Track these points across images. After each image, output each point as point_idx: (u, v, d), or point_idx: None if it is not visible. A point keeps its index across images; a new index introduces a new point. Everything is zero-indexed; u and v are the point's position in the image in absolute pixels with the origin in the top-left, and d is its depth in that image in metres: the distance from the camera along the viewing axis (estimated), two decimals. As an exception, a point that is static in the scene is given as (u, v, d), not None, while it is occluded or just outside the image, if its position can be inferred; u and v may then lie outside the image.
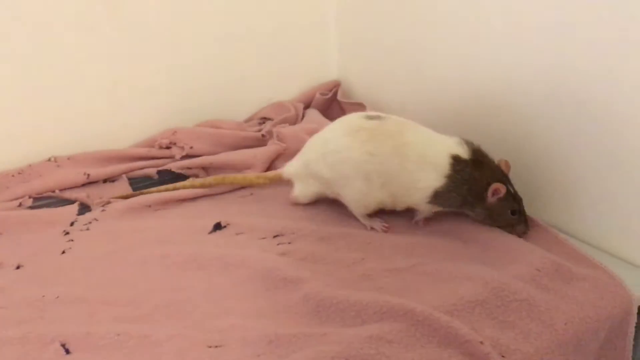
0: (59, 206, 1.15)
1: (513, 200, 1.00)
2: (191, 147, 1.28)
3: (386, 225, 1.05)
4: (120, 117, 1.35)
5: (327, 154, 1.04)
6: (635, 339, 0.92)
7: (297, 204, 1.13)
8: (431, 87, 1.33)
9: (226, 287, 0.91)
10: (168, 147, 1.29)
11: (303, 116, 1.45)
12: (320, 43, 1.57)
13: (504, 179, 1.00)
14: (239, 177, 1.18)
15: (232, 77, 1.49)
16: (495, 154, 1.14)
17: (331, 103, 1.53)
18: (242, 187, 1.21)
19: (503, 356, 0.78)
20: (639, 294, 0.92)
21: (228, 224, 1.07)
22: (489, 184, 0.98)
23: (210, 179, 1.18)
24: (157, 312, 0.86)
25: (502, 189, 0.97)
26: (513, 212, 1.00)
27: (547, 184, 1.10)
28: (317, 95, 1.50)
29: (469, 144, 1.01)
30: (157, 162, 1.27)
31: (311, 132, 1.30)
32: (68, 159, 1.24)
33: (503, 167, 1.02)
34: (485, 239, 0.99)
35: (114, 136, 1.34)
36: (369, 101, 1.48)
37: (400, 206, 1.04)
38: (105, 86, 1.32)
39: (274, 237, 1.04)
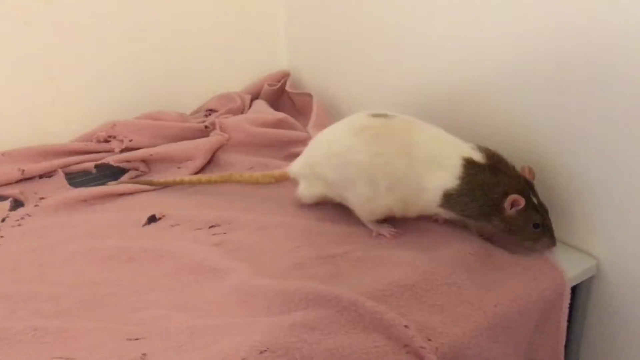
0: (-9, 203, 1.12)
1: (535, 212, 0.89)
2: (130, 140, 1.25)
3: (394, 230, 0.97)
4: (59, 112, 1.32)
5: (332, 155, 0.97)
6: (569, 319, 0.92)
7: (302, 203, 1.06)
8: (379, 76, 1.32)
9: (154, 279, 0.89)
10: (107, 141, 1.26)
11: (250, 107, 1.43)
12: (269, 33, 1.55)
13: (525, 188, 0.89)
14: (245, 175, 1.11)
15: (179, 70, 1.46)
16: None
17: (281, 94, 1.52)
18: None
19: (429, 339, 0.77)
20: (573, 274, 0.92)
21: (163, 216, 1.05)
22: (506, 194, 0.88)
23: (215, 177, 1.13)
24: (78, 307, 0.83)
25: (521, 201, 0.87)
26: (536, 226, 0.90)
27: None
28: (265, 86, 1.48)
29: (483, 149, 0.93)
30: (96, 157, 1.24)
31: (254, 122, 1.30)
32: (2, 154, 1.21)
33: (527, 175, 0.92)
34: (421, 227, 0.98)
35: (54, 132, 1.31)
36: (318, 91, 1.47)
37: (411, 213, 0.96)
38: (43, 81, 1.29)
39: (210, 227, 1.02)
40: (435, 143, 0.93)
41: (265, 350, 0.72)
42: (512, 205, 0.88)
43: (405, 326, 0.76)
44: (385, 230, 0.97)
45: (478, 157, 0.91)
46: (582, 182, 0.94)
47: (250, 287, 0.84)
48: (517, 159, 0.93)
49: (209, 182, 1.14)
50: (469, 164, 0.90)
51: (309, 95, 1.41)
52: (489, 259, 0.91)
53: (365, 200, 0.95)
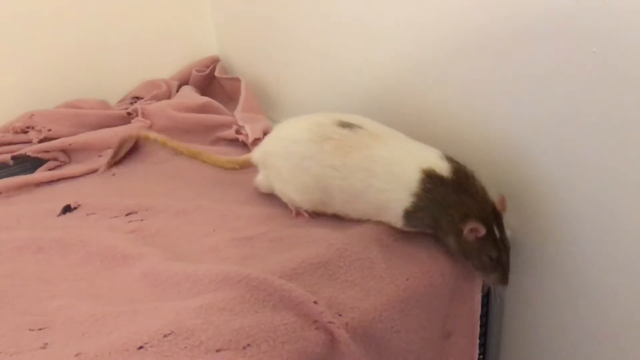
0: None
1: (494, 246, 0.83)
2: (49, 130, 1.21)
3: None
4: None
5: (290, 154, 0.93)
6: (487, 291, 0.93)
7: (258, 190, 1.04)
8: (308, 60, 1.31)
9: (63, 269, 0.87)
10: (24, 132, 1.22)
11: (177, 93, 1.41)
12: (196, 18, 1.52)
13: (490, 217, 0.83)
14: (212, 157, 1.08)
15: (104, 57, 1.42)
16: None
17: (211, 80, 1.49)
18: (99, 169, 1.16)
19: (340, 315, 0.77)
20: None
21: (79, 205, 1.02)
22: (466, 217, 0.82)
23: (184, 149, 1.10)
24: (-19, 299, 0.81)
25: (481, 231, 0.82)
26: (491, 259, 0.84)
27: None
28: (194, 72, 1.46)
29: (453, 161, 0.87)
30: (13, 148, 1.20)
31: (178, 107, 1.27)
32: None
33: (498, 204, 0.85)
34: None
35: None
36: (249, 76, 1.45)
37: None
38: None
39: (127, 215, 1.00)
40: (396, 157, 0.88)
41: (169, 334, 0.70)
42: (472, 231, 0.82)
43: (315, 302, 0.76)
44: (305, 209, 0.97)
45: (441, 168, 0.85)
46: (491, 158, 0.95)
47: (160, 272, 0.82)
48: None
49: (176, 152, 1.12)
50: (427, 177, 0.85)
51: (238, 80, 1.40)
52: (402, 233, 0.91)
53: (307, 201, 0.94)
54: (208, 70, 1.47)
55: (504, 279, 0.86)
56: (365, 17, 1.11)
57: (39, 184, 1.12)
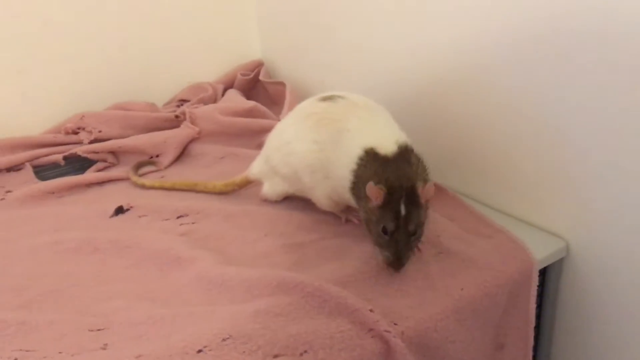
0: (-44, 197, 1.10)
1: (392, 218, 0.77)
2: (100, 131, 1.24)
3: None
4: (28, 105, 1.30)
5: (282, 145, 0.94)
6: (540, 302, 0.92)
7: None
8: (351, 64, 1.31)
9: (118, 270, 0.88)
10: (75, 133, 1.24)
11: (223, 97, 1.42)
12: (242, 23, 1.54)
13: (400, 190, 0.78)
14: (209, 185, 1.07)
15: (152, 60, 1.45)
16: (410, 127, 1.13)
17: (254, 83, 1.50)
18: (153, 171, 1.18)
19: (395, 324, 0.76)
20: (542, 256, 0.92)
21: (131, 207, 1.03)
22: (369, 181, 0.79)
23: (179, 184, 1.10)
24: (41, 299, 0.82)
25: (378, 195, 0.77)
26: (384, 231, 0.78)
27: (452, 152, 1.09)
28: (238, 76, 1.47)
29: (404, 146, 0.84)
30: (64, 149, 1.22)
31: (225, 112, 1.28)
32: (-32, 148, 1.20)
33: (421, 188, 0.79)
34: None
35: (23, 125, 1.29)
36: (292, 80, 1.46)
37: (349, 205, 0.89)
38: (11, 73, 1.27)
39: (178, 217, 1.01)
40: (361, 131, 0.86)
41: (227, 338, 0.71)
42: (373, 194, 0.78)
43: (370, 310, 0.75)
44: (354, 215, 0.96)
45: (385, 148, 0.82)
46: (551, 164, 0.94)
47: (214, 276, 0.83)
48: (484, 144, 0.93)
49: (172, 189, 1.10)
50: (366, 154, 0.82)
51: (282, 84, 1.40)
52: (455, 240, 0.90)
53: (310, 191, 0.93)
54: (252, 74, 1.48)
55: (394, 260, 0.79)
56: (412, 20, 1.11)
57: (90, 185, 1.14)
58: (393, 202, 0.78)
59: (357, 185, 0.83)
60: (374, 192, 0.77)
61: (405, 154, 0.83)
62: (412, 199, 0.79)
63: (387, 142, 0.83)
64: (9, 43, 1.25)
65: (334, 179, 0.88)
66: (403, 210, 0.78)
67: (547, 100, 0.90)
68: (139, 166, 1.19)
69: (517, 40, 0.92)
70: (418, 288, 0.82)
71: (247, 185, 1.06)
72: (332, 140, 0.87)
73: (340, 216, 0.97)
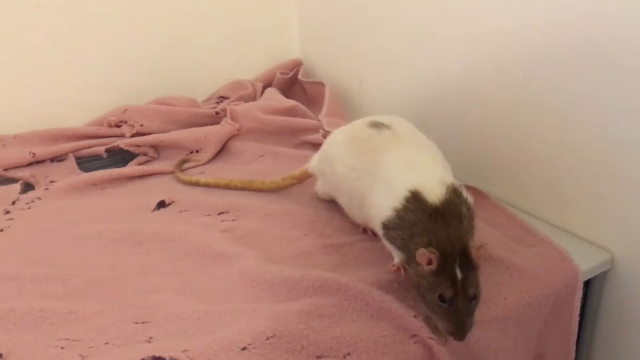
0: (1, 185, 1.12)
1: (449, 284, 0.70)
2: (141, 125, 1.25)
3: None
4: (71, 96, 1.32)
5: (326, 157, 0.95)
6: (581, 314, 0.90)
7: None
8: (391, 65, 1.30)
9: (161, 264, 0.89)
10: (118, 126, 1.26)
11: (262, 95, 1.42)
12: (282, 22, 1.54)
13: (453, 253, 0.71)
14: (266, 182, 1.06)
15: (192, 57, 1.46)
16: (452, 132, 1.12)
17: (293, 82, 1.51)
18: (193, 166, 1.19)
19: (439, 330, 0.76)
20: (586, 268, 0.90)
21: (173, 202, 1.04)
22: (426, 245, 0.72)
23: (236, 182, 1.08)
24: (86, 289, 0.83)
25: (432, 261, 0.70)
26: (442, 299, 0.71)
27: (496, 159, 1.08)
28: (278, 75, 1.47)
29: (453, 190, 0.77)
30: (107, 141, 1.24)
31: (265, 110, 1.29)
32: (14, 137, 1.22)
33: (472, 249, 0.72)
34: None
35: (66, 116, 1.31)
36: (330, 80, 1.46)
37: None
38: (55, 65, 1.29)
39: (219, 214, 1.01)
40: (398, 165, 0.82)
41: (272, 337, 0.71)
42: (424, 260, 0.71)
43: (414, 316, 0.75)
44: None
45: (432, 194, 0.76)
46: (596, 173, 0.92)
47: (257, 274, 0.83)
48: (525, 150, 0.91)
49: (227, 187, 1.09)
50: (413, 196, 0.76)
51: (321, 84, 1.40)
52: (499, 248, 0.89)
53: (348, 209, 0.93)
54: (292, 73, 1.48)
55: (457, 330, 0.71)
56: (452, 21, 1.10)
57: (131, 178, 1.15)
58: (447, 267, 0.71)
59: (399, 232, 0.77)
60: (426, 258, 0.70)
61: (455, 201, 0.76)
62: (467, 261, 0.72)
63: (432, 183, 0.77)
64: (55, 35, 1.27)
65: (369, 208, 0.84)
66: (459, 274, 0.71)
67: (592, 105, 0.89)
68: (182, 163, 1.19)
69: (561, 42, 0.91)
70: (461, 295, 0.81)
71: (306, 179, 1.04)
72: (369, 171, 0.84)
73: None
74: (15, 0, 1.22)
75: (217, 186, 1.10)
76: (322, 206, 1.03)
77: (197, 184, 1.11)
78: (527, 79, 0.98)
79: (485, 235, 0.90)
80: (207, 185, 1.10)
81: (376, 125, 0.89)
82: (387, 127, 0.88)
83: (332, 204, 1.03)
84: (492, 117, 1.07)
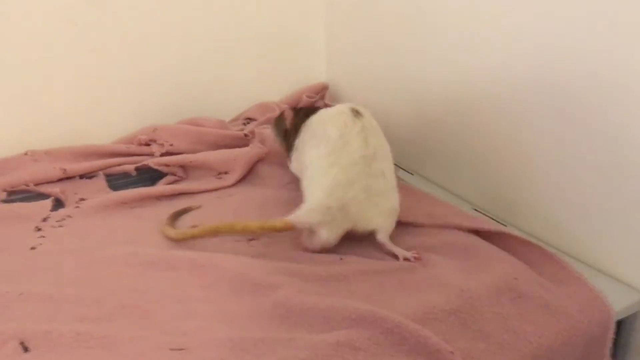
0: (33, 201, 1.12)
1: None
2: (171, 145, 1.26)
3: (416, 253, 0.95)
4: (101, 113, 1.33)
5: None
6: (613, 355, 0.90)
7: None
8: (418, 90, 1.31)
9: (194, 289, 0.89)
10: (147, 144, 1.27)
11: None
12: (309, 45, 1.56)
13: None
14: (251, 225, 0.97)
15: (219, 77, 1.47)
16: (478, 160, 1.13)
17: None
18: (218, 189, 1.19)
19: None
20: (619, 308, 0.90)
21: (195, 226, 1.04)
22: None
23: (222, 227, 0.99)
24: (121, 312, 0.83)
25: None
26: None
27: (529, 194, 1.08)
28: (304, 98, 1.48)
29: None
30: (136, 159, 1.24)
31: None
32: (45, 153, 1.22)
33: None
34: (463, 245, 0.97)
35: (95, 132, 1.32)
36: (355, 103, 1.46)
37: None
38: (87, 82, 1.30)
39: (249, 240, 1.01)
40: None
41: (310, 369, 0.71)
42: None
43: (451, 352, 0.75)
44: (409, 254, 0.95)
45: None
46: (629, 213, 0.92)
47: (292, 303, 0.83)
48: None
49: (217, 233, 0.99)
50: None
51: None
52: (533, 285, 0.89)
53: None
54: (318, 97, 1.49)
55: None
56: (481, 45, 1.11)
57: (160, 197, 1.15)
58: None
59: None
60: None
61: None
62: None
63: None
64: (88, 52, 1.29)
65: None
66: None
67: (630, 143, 0.89)
68: (175, 217, 1.08)
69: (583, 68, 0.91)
70: (496, 331, 0.81)
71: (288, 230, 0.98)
72: None
73: (397, 254, 0.96)
74: (51, 16, 1.24)
75: (215, 234, 1.00)
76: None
77: (191, 237, 1.00)
78: (551, 108, 0.99)
79: (518, 271, 0.90)
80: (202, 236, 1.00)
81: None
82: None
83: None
84: (524, 154, 1.08)
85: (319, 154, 1.00)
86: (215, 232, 0.99)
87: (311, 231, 0.97)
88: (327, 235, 0.96)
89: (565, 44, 0.96)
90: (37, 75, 1.25)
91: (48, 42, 1.24)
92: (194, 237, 1.00)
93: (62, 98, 1.28)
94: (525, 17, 1.02)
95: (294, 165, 1.14)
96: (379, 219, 0.98)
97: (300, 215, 0.96)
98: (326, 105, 1.28)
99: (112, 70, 1.32)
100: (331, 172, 0.97)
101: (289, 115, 1.15)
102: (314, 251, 0.98)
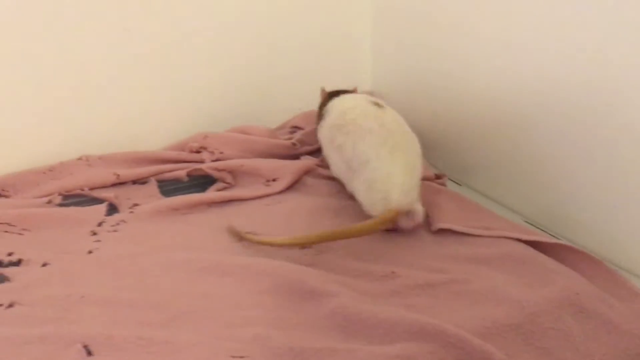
0: (87, 205, 1.14)
1: None
2: (221, 152, 1.27)
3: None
4: (152, 119, 1.36)
5: None
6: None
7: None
8: (466, 99, 1.30)
9: (250, 296, 0.89)
10: (198, 152, 1.28)
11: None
12: (355, 54, 1.56)
13: None
14: (366, 226, 1.00)
15: (266, 84, 1.48)
16: (530, 171, 1.11)
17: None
18: (267, 196, 1.19)
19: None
20: (683, 326, 0.88)
21: (256, 235, 1.05)
22: None
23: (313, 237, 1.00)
24: (180, 318, 0.84)
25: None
26: None
27: (582, 207, 1.07)
28: (349, 106, 1.48)
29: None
30: (187, 166, 1.25)
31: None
32: (99, 158, 1.24)
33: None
34: (520, 257, 0.96)
35: (145, 138, 1.35)
36: (401, 112, 1.45)
37: None
38: (139, 88, 1.33)
39: (301, 248, 1.01)
40: None
41: (372, 381, 0.71)
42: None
43: (516, 368, 0.74)
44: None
45: None
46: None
47: (350, 313, 0.82)
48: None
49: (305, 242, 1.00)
50: None
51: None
52: (595, 301, 0.87)
53: None
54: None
55: None
56: (521, 55, 1.10)
57: (211, 204, 1.16)
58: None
59: None
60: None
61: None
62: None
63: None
64: (140, 59, 1.31)
65: None
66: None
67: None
68: (238, 233, 1.04)
69: None
70: (559, 349, 0.80)
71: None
72: None
73: None
74: (105, 23, 1.26)
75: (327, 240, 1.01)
76: (403, 240, 1.03)
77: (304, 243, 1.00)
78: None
79: (580, 287, 0.88)
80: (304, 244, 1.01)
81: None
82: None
83: (414, 236, 1.04)
84: (577, 166, 1.06)
85: (370, 145, 1.05)
86: (328, 238, 1.01)
87: (408, 212, 1.03)
88: (422, 208, 1.05)
89: (622, 53, 0.95)
90: (92, 82, 1.27)
91: (103, 49, 1.27)
92: (305, 244, 1.00)
93: (115, 104, 1.31)
94: (588, 26, 1.01)
95: (332, 160, 1.16)
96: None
97: (398, 200, 1.02)
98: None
99: (164, 78, 1.34)
100: (397, 155, 1.04)
101: (323, 95, 1.26)
102: (409, 230, 1.05)
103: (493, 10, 1.18)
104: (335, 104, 1.18)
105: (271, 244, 1.00)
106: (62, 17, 1.21)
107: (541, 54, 1.09)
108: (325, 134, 1.18)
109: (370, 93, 1.55)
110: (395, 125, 1.10)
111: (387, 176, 1.03)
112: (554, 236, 1.09)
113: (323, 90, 1.28)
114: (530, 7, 1.10)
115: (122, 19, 1.27)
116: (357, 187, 1.08)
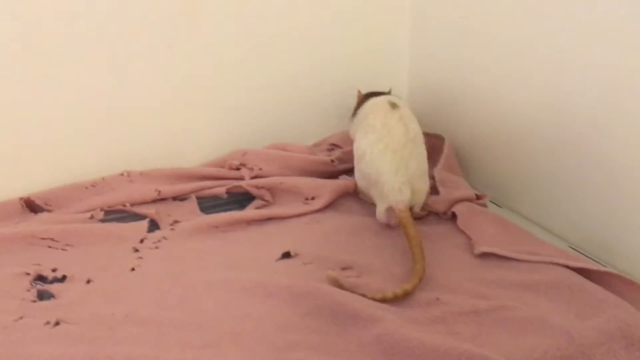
0: (129, 221, 1.15)
1: None
2: (260, 169, 1.27)
3: None
4: (192, 135, 1.37)
5: None
6: None
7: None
8: (507, 118, 1.28)
9: (294, 318, 0.89)
10: (237, 168, 1.29)
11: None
12: (393, 72, 1.55)
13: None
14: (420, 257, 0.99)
15: (304, 101, 1.49)
16: (573, 193, 1.10)
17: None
18: (306, 213, 1.19)
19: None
20: None
21: (297, 254, 1.04)
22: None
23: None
24: (225, 340, 0.84)
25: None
26: None
27: (628, 233, 1.04)
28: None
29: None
30: (226, 183, 1.26)
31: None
32: (140, 174, 1.26)
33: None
34: (568, 285, 0.94)
35: (185, 154, 1.36)
36: (439, 130, 1.44)
37: None
38: (181, 104, 1.34)
39: (343, 269, 1.01)
40: None
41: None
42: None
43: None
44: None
45: None
46: None
47: (396, 340, 0.82)
48: None
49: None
50: None
51: (440, 138, 1.39)
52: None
53: None
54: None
55: None
56: (562, 64, 1.08)
57: (250, 222, 1.16)
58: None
59: None
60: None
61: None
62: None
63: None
64: (181, 77, 1.32)
65: None
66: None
67: None
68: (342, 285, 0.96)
69: None
70: (611, 382, 0.78)
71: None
72: None
73: None
74: (150, 39, 1.27)
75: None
76: (448, 262, 1.02)
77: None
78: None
79: (630, 317, 0.86)
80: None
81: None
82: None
83: (457, 258, 1.03)
84: (623, 190, 1.03)
85: (368, 142, 1.15)
86: (422, 271, 0.97)
87: (412, 206, 1.13)
88: (427, 188, 1.16)
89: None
90: (135, 98, 1.29)
91: (146, 66, 1.28)
92: (410, 291, 0.94)
93: (157, 121, 1.32)
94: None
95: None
96: (424, 196, 1.15)
97: (403, 201, 1.09)
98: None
99: (205, 95, 1.35)
100: (386, 154, 1.12)
101: (359, 96, 1.33)
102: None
103: (537, 25, 1.16)
104: (366, 104, 1.26)
105: (383, 301, 0.92)
106: (107, 34, 1.23)
107: (588, 71, 1.07)
108: (351, 130, 1.30)
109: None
110: (398, 126, 1.15)
111: (377, 172, 1.12)
112: (599, 262, 1.07)
113: (359, 92, 1.34)
114: (576, 23, 1.08)
115: (166, 37, 1.28)
116: (359, 181, 1.20)
